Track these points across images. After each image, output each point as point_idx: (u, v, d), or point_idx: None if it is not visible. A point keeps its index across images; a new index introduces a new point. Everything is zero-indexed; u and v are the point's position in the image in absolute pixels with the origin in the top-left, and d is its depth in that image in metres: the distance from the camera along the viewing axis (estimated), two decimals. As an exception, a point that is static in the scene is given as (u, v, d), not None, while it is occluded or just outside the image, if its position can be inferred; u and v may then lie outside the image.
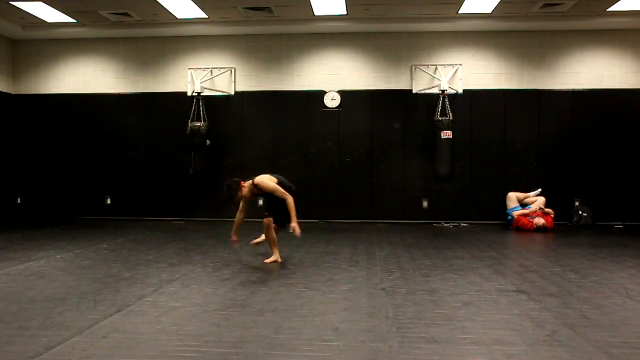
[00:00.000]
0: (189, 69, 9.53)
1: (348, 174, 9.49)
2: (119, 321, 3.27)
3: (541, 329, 3.15)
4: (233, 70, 9.61)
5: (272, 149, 9.62)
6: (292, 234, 5.20)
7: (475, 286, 4.32)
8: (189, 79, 9.47)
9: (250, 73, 9.70)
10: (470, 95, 9.29)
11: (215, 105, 9.61)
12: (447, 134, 8.72)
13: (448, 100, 9.01)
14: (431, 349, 2.82)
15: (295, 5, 8.31)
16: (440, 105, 8.98)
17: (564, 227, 8.67)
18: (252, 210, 9.54)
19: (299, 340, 2.94)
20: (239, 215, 5.68)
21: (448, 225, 8.95)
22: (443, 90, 8.99)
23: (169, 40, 9.80)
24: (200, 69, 9.56)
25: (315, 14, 8.74)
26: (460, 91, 9.15)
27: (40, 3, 8.23)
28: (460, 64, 9.16)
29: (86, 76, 10.00)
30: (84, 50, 10.00)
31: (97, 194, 9.94)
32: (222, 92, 9.64)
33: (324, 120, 9.51)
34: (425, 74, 9.30)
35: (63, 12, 8.71)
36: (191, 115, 9.33)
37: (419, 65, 9.31)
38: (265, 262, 5.37)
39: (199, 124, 9.19)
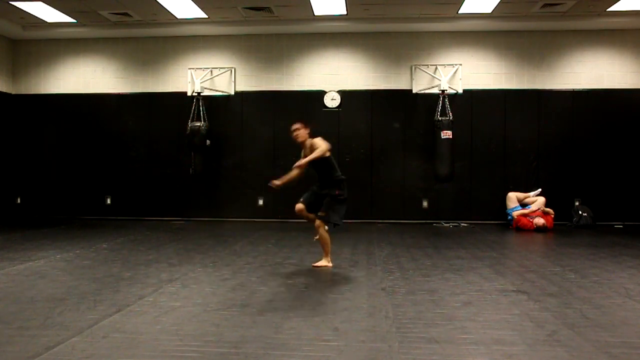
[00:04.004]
0: (189, 69, 9.53)
1: (348, 174, 9.35)
2: (119, 321, 3.27)
3: (541, 329, 3.15)
4: (233, 70, 9.61)
5: (272, 149, 9.61)
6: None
7: (475, 286, 4.32)
8: (189, 79, 9.47)
9: (250, 73, 9.69)
10: (470, 95, 9.29)
11: (215, 105, 9.61)
12: (447, 134, 8.72)
13: (448, 100, 9.00)
14: (431, 349, 2.81)
15: (295, 5, 8.31)
16: (440, 105, 8.97)
17: (564, 227, 8.67)
18: (252, 211, 9.57)
19: (299, 340, 2.94)
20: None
21: (448, 225, 8.94)
22: (443, 90, 8.99)
23: (169, 40, 9.79)
24: (200, 69, 9.56)
25: (315, 14, 8.74)
26: (460, 91, 9.15)
27: (40, 3, 8.23)
28: (460, 64, 9.15)
29: (86, 76, 10.00)
30: (84, 50, 10.00)
31: (97, 194, 9.93)
32: (222, 92, 9.64)
33: (324, 120, 9.49)
34: (425, 74, 9.30)
35: (63, 12, 8.71)
36: (191, 115, 9.33)
37: (419, 65, 9.31)
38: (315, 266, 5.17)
39: (199, 124, 9.19)
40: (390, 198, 9.41)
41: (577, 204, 9.12)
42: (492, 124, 9.33)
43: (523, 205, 8.69)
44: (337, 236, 7.50)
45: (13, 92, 10.15)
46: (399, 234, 7.76)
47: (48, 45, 10.08)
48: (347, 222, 9.23)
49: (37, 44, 10.09)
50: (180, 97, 9.63)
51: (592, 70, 9.25)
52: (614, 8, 8.33)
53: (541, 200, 8.60)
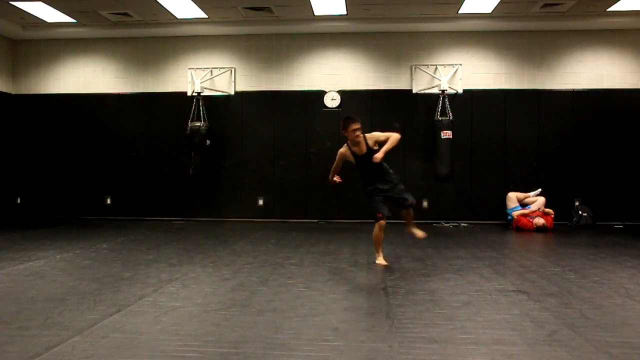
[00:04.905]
0: (189, 69, 9.53)
1: (348, 174, 9.45)
2: (119, 321, 3.27)
3: (541, 329, 3.15)
4: (233, 70, 9.61)
5: (272, 149, 9.62)
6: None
7: (475, 286, 4.32)
8: (189, 79, 9.47)
9: (250, 73, 9.70)
10: (470, 95, 9.29)
11: (215, 105, 9.61)
12: (447, 134, 8.72)
13: (448, 100, 9.00)
14: (431, 349, 2.81)
15: (295, 5, 8.31)
16: (440, 105, 8.98)
17: (564, 227, 8.67)
18: (252, 211, 9.58)
19: (299, 340, 2.94)
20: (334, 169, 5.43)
21: (448, 225, 8.95)
22: (443, 90, 8.99)
23: (169, 40, 9.80)
24: (200, 69, 9.56)
25: (315, 14, 8.74)
26: (460, 91, 9.15)
27: (40, 3, 8.23)
28: (460, 64, 9.15)
29: (86, 76, 10.01)
30: (84, 50, 10.00)
31: (97, 194, 9.93)
32: (222, 92, 9.64)
33: (324, 120, 9.51)
34: (425, 74, 9.30)
35: (63, 12, 8.71)
36: (191, 115, 9.33)
37: (419, 65, 9.31)
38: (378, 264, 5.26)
39: (199, 124, 9.19)
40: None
41: (577, 204, 9.12)
42: (492, 124, 9.33)
43: (523, 205, 8.69)
44: (337, 236, 7.52)
45: (13, 92, 10.15)
46: (399, 234, 7.76)
47: (48, 45, 10.08)
48: (347, 222, 9.29)
49: (37, 44, 10.09)
50: (180, 97, 9.63)
51: (592, 70, 9.25)
52: (614, 8, 8.33)
53: (541, 200, 8.60)
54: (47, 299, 3.81)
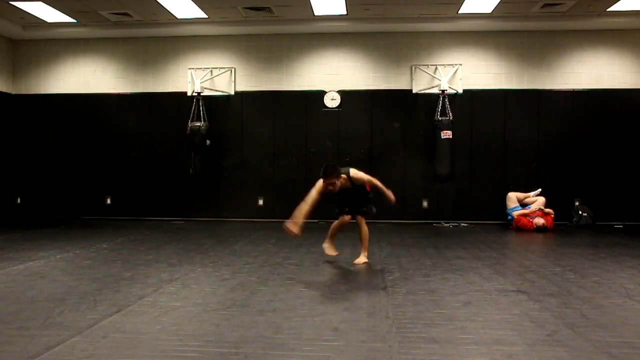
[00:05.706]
0: (189, 69, 9.53)
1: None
2: (119, 321, 3.27)
3: (541, 329, 3.15)
4: (233, 70, 9.61)
5: (272, 149, 9.62)
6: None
7: (475, 286, 4.32)
8: (189, 79, 9.47)
9: (250, 73, 9.70)
10: (470, 95, 9.29)
11: (215, 105, 9.61)
12: (447, 134, 8.72)
13: (448, 100, 9.00)
14: (431, 349, 2.81)
15: (295, 5, 8.31)
16: (440, 105, 8.98)
17: (564, 227, 8.67)
18: (252, 211, 9.58)
19: (299, 340, 2.94)
20: (306, 207, 5.28)
21: (448, 225, 8.94)
22: (443, 90, 8.99)
23: (169, 40, 9.79)
24: (200, 69, 9.56)
25: (315, 14, 8.74)
26: (460, 91, 9.15)
27: (40, 3, 8.23)
28: (460, 64, 9.16)
29: (86, 76, 10.00)
30: (84, 50, 10.00)
31: (97, 194, 9.93)
32: (222, 92, 9.64)
33: (324, 120, 9.51)
34: (425, 74, 9.30)
35: (63, 12, 8.71)
36: (191, 115, 9.33)
37: (419, 65, 9.31)
38: (327, 254, 5.54)
39: (199, 124, 9.19)
40: (390, 198, 9.39)
41: (577, 204, 9.12)
42: (492, 124, 9.33)
43: (523, 205, 8.70)
44: (337, 236, 7.48)
45: (13, 92, 10.15)
46: (399, 234, 7.76)
47: (48, 45, 10.08)
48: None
49: (37, 44, 10.09)
50: (180, 97, 9.63)
51: (592, 70, 9.25)
52: (614, 8, 8.33)
53: (541, 200, 8.60)
54: (47, 299, 3.81)
